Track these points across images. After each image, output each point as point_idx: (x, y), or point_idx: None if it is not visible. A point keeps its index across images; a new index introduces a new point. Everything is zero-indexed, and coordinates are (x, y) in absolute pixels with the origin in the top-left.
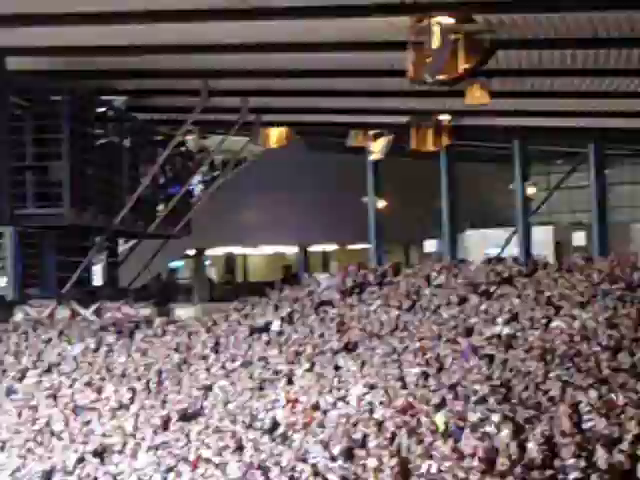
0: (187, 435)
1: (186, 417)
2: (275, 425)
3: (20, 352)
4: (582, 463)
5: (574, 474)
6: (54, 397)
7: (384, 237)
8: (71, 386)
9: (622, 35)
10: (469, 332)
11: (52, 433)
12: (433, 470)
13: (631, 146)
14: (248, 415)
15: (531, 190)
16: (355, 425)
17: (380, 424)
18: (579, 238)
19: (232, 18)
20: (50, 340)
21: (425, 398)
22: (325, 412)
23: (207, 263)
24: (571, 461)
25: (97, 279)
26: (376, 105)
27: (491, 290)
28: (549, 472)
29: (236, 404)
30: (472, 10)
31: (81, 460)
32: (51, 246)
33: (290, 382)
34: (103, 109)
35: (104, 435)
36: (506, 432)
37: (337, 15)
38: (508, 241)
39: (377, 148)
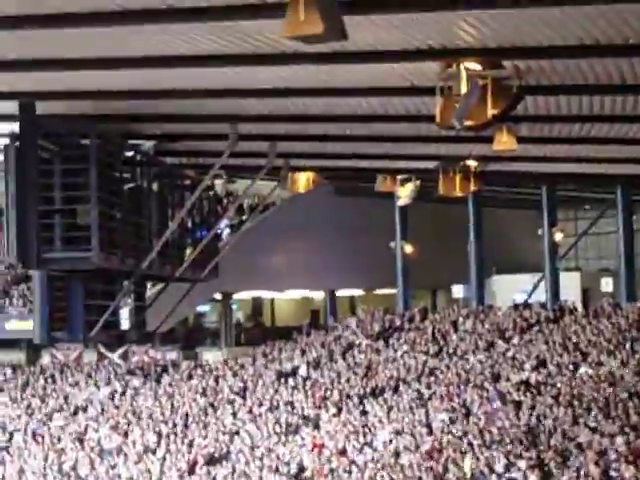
0: (213, 479)
1: (212, 461)
2: (301, 470)
3: (47, 395)
4: None
5: None
6: (80, 440)
7: (411, 282)
8: (97, 430)
9: None
10: (496, 378)
11: (78, 477)
12: None
13: None
14: (274, 460)
15: (559, 236)
16: (381, 470)
17: (406, 469)
18: (607, 284)
19: (262, 63)
20: (77, 383)
21: (452, 444)
22: (352, 457)
23: (234, 307)
24: None
25: (124, 322)
26: (404, 150)
27: (518, 336)
28: None
29: (262, 449)
30: (500, 56)
31: None
32: (79, 289)
33: (317, 427)
34: (131, 153)
35: (130, 479)
36: (533, 479)
37: (367, 61)
38: (535, 287)
39: (405, 193)
